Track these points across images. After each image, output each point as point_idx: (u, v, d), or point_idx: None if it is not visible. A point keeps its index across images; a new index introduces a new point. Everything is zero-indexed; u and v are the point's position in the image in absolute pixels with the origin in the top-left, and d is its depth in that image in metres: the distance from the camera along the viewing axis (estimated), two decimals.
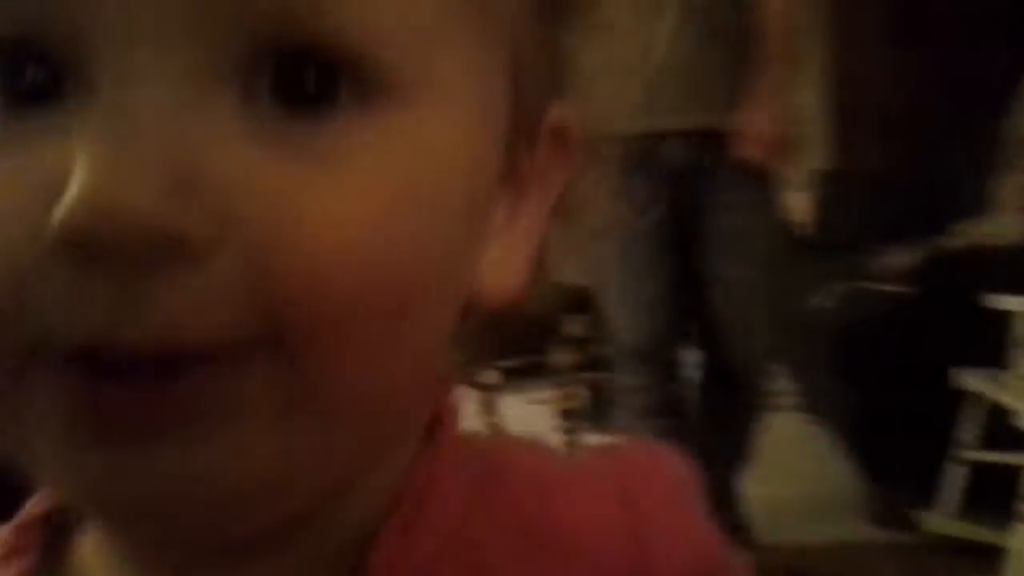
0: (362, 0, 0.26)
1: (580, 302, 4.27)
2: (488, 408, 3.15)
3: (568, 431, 3.42)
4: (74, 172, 0.24)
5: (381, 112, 0.27)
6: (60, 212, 0.23)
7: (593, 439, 3.49)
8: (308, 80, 0.26)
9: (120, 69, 0.25)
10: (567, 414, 3.46)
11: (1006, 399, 2.52)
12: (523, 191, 0.34)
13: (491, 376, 3.22)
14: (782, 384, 2.60)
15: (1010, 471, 2.46)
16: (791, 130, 2.23)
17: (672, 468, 0.36)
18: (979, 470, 2.73)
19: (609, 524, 0.33)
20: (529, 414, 3.82)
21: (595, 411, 3.62)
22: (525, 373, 4.39)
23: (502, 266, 0.33)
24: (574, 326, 3.69)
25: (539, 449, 0.37)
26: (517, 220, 0.33)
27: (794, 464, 3.22)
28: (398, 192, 0.27)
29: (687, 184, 2.24)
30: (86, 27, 0.25)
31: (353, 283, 0.26)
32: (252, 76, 0.26)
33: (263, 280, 0.25)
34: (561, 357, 3.49)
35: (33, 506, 0.35)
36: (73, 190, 0.23)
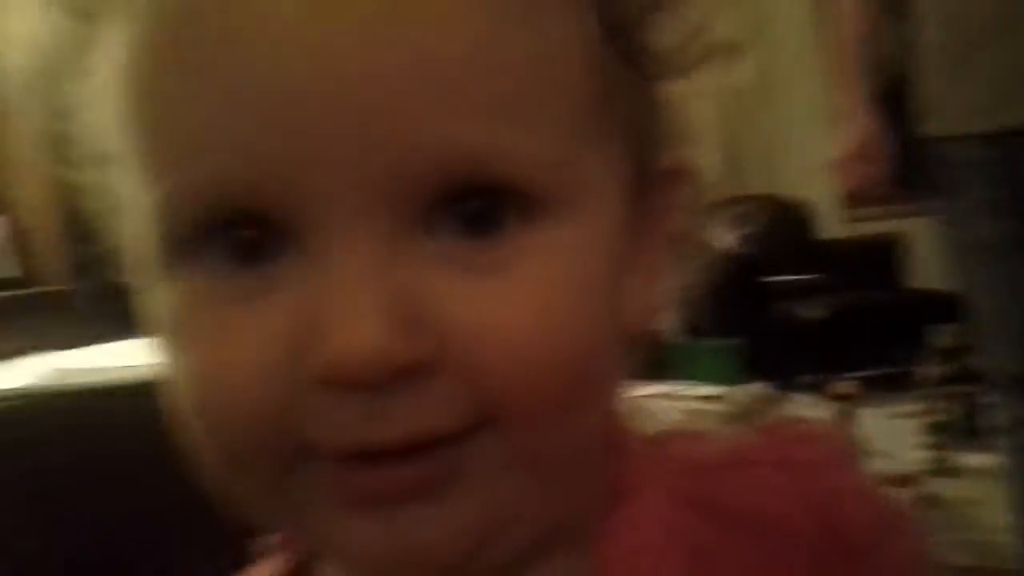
0: (517, 151, 0.31)
1: (950, 310, 3.96)
2: (844, 420, 2.96)
3: (934, 447, 3.15)
4: (323, 323, 0.29)
5: (543, 225, 0.32)
6: (323, 360, 0.29)
7: (963, 457, 3.20)
8: (480, 210, 0.31)
9: (334, 232, 0.30)
10: (933, 429, 3.18)
11: None
12: (644, 230, 0.37)
13: (848, 387, 3.04)
14: None
15: None
16: None
17: (833, 440, 0.42)
18: None
19: (791, 495, 0.38)
20: (890, 429, 3.58)
21: (965, 427, 3.32)
22: (888, 385, 4.13)
23: (635, 299, 0.37)
24: (943, 335, 3.41)
25: (705, 438, 0.42)
26: (641, 256, 0.37)
27: None
28: (567, 288, 0.32)
29: None
30: (301, 198, 0.30)
31: (542, 370, 0.31)
32: (435, 216, 0.31)
33: (474, 383, 0.31)
34: (928, 368, 3.21)
35: (275, 563, 0.41)
36: (330, 342, 0.29)
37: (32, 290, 2.63)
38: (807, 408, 3.16)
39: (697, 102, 0.40)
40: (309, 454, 0.32)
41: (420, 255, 0.31)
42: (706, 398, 2.19)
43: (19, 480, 1.01)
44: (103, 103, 0.34)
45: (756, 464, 0.39)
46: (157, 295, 0.33)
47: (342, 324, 0.29)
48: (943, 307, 4.32)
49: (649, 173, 0.38)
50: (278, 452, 0.32)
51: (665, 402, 2.09)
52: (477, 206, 0.31)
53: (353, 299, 0.29)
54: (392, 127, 0.30)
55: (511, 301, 0.31)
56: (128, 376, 1.27)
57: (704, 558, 0.37)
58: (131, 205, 0.34)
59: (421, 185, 0.30)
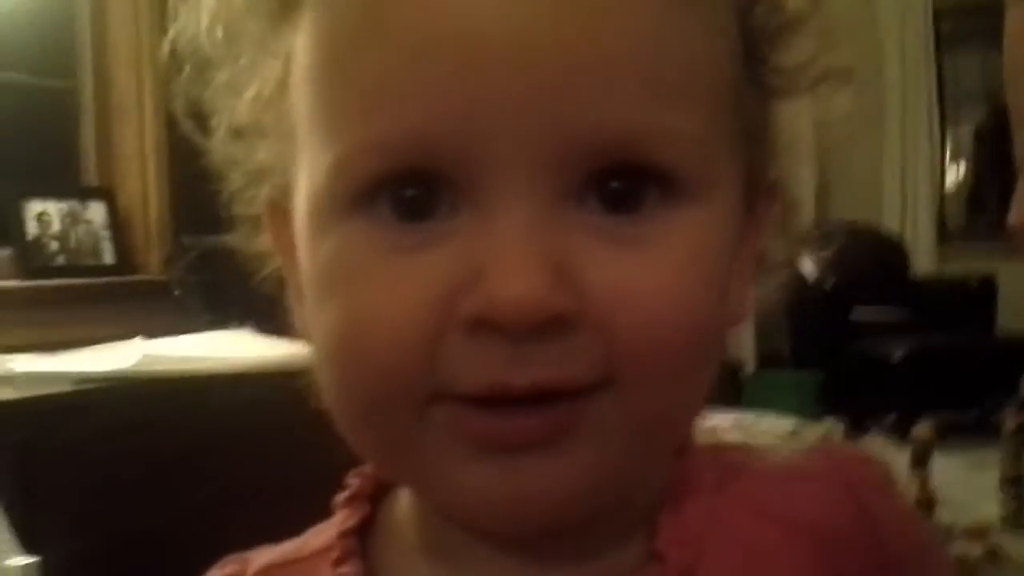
0: (671, 134, 0.35)
1: None
2: (918, 463, 2.89)
3: (1012, 499, 3.06)
4: (487, 270, 0.33)
5: (679, 207, 0.35)
6: (485, 301, 0.33)
7: None
8: (624, 190, 0.35)
9: (502, 192, 0.34)
10: (1010, 482, 3.09)
11: None
12: (747, 236, 0.41)
13: (926, 430, 2.96)
14: None
15: None
16: None
17: (877, 465, 0.45)
18: None
19: (841, 507, 0.41)
20: (965, 477, 3.48)
21: None
22: (968, 431, 3.99)
23: (733, 299, 0.40)
24: None
25: (760, 453, 0.45)
26: (741, 259, 0.40)
27: None
28: (696, 266, 0.36)
29: None
30: (477, 157, 0.33)
31: (670, 336, 0.35)
32: (585, 190, 0.35)
33: (608, 342, 0.34)
34: (1010, 417, 3.12)
35: (347, 517, 0.44)
36: (493, 286, 0.33)
37: (127, 278, 2.71)
38: (881, 449, 3.10)
39: (800, 126, 0.43)
40: (441, 398, 0.35)
41: (570, 223, 0.34)
42: (777, 434, 2.16)
43: (105, 464, 1.04)
44: (279, 76, 0.39)
45: (811, 478, 0.43)
46: (317, 249, 0.37)
47: (506, 271, 0.33)
48: None
49: (757, 185, 0.41)
50: (414, 393, 0.35)
51: (735, 433, 2.07)
52: (621, 186, 0.35)
53: (517, 251, 0.33)
54: (570, 101, 0.33)
55: (649, 271, 0.35)
56: (216, 367, 1.30)
57: (759, 558, 0.40)
58: (299, 170, 0.38)
59: (583, 158, 0.34)
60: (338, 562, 0.43)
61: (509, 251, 0.33)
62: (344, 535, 0.43)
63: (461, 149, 0.33)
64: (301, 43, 0.37)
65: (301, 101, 0.37)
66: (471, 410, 0.34)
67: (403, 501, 0.44)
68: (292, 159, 0.39)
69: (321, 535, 0.45)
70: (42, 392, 1.16)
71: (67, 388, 1.19)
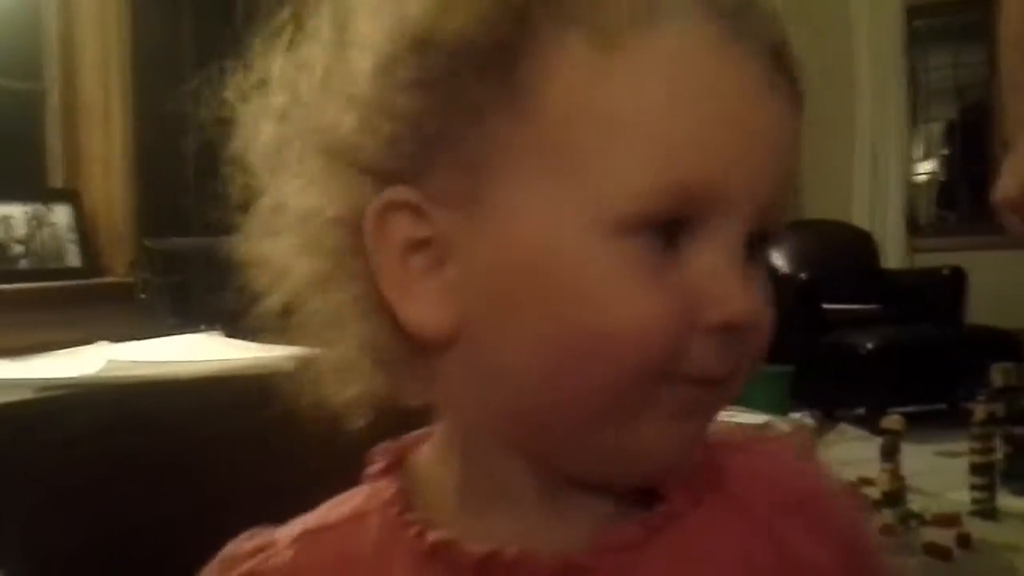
0: (787, 211, 0.50)
1: (1008, 348, 3.88)
2: (887, 454, 2.92)
3: (980, 488, 3.09)
4: (721, 289, 0.46)
5: (763, 254, 0.50)
6: (727, 313, 0.46)
7: (1006, 500, 3.14)
8: (754, 244, 0.48)
9: (729, 238, 0.46)
10: (980, 469, 3.12)
11: None
12: None
13: (896, 421, 2.99)
14: None
15: None
16: None
17: (801, 435, 0.63)
18: None
19: (792, 468, 0.57)
20: (935, 466, 3.52)
21: (1010, 470, 3.26)
22: (938, 421, 4.05)
23: None
24: (999, 374, 3.35)
25: (722, 433, 0.55)
26: None
27: None
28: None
29: None
30: (719, 213, 0.46)
31: (767, 344, 0.49)
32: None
33: (747, 343, 0.48)
34: (980, 407, 3.15)
35: (391, 482, 0.52)
36: (733, 304, 0.46)
37: (92, 281, 2.68)
38: (852, 440, 3.12)
39: None
40: (671, 379, 0.46)
41: (743, 264, 0.47)
42: (749, 427, 2.17)
43: (65, 470, 1.03)
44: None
45: (770, 450, 0.58)
46: (568, 260, 0.46)
47: (742, 291, 0.46)
48: (1002, 344, 4.26)
49: None
50: (656, 376, 0.46)
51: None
52: (755, 245, 0.48)
53: (744, 278, 0.47)
54: (776, 184, 0.48)
55: (764, 298, 0.48)
56: (184, 371, 1.29)
57: (733, 506, 0.53)
58: (526, 191, 0.46)
59: (763, 223, 0.48)
60: (402, 512, 0.51)
61: (740, 278, 0.46)
62: (400, 492, 0.52)
63: (718, 200, 0.46)
64: (567, 90, 0.45)
65: (572, 136, 0.46)
66: (693, 387, 0.47)
67: (430, 470, 0.53)
68: (494, 176, 0.46)
69: (343, 506, 0.53)
70: (4, 400, 1.14)
71: (29, 396, 1.17)
